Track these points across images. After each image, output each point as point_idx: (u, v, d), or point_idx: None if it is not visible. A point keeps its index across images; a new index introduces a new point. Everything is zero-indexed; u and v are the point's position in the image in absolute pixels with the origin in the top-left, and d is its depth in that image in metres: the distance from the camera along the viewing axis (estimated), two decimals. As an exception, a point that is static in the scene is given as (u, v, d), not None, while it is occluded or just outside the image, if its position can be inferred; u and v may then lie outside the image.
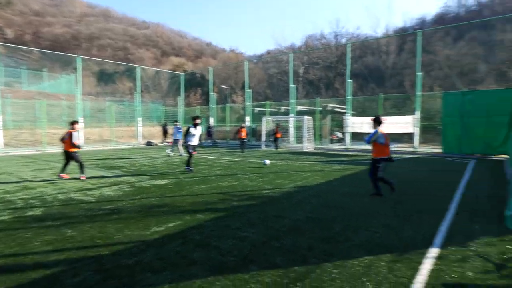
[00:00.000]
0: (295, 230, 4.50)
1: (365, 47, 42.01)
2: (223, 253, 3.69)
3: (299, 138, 21.60)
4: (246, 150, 19.10)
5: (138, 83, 28.09)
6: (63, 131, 27.73)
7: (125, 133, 28.93)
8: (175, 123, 16.88)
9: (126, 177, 9.36)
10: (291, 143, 22.26)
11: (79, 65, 23.57)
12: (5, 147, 19.26)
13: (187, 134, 10.14)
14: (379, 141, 6.48)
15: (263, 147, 20.95)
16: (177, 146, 16.15)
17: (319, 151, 18.65)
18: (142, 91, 30.87)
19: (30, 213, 5.56)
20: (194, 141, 10.24)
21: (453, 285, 2.93)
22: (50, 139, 22.05)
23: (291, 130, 22.45)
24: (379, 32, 50.87)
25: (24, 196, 6.90)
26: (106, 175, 9.87)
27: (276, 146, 19.82)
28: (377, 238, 4.15)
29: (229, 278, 3.07)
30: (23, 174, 10.08)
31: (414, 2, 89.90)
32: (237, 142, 19.33)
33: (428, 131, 21.00)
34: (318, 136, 22.30)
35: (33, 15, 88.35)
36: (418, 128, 17.33)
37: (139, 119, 26.87)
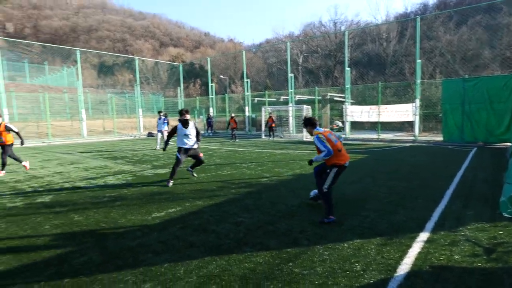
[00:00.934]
0: (289, 215, 4.70)
1: (365, 34, 41.55)
2: (220, 236, 3.91)
3: (298, 127, 21.72)
4: (251, 140, 19.36)
5: (138, 74, 28.13)
6: (66, 123, 28.09)
7: (127, 124, 29.18)
8: (159, 113, 15.23)
9: (128, 167, 9.60)
10: (291, 132, 22.40)
11: (78, 57, 23.62)
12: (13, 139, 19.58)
13: (175, 133, 7.28)
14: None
15: (263, 137, 21.11)
16: (162, 136, 14.74)
17: (319, 140, 18.74)
18: (142, 83, 30.93)
19: (39, 200, 5.88)
20: (190, 142, 7.22)
21: (439, 267, 3.04)
22: (54, 131, 22.39)
23: (291, 120, 22.56)
24: (379, 18, 50.18)
25: (33, 185, 7.24)
26: (109, 165, 10.12)
27: (274, 135, 20.14)
28: (369, 222, 4.32)
29: (225, 259, 3.29)
30: (31, 165, 10.35)
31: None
32: (238, 132, 19.70)
33: (429, 119, 21.06)
34: (318, 125, 22.41)
35: (31, 8, 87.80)
36: (418, 116, 17.38)
37: (140, 110, 27.05)
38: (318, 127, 4.76)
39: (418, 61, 17.38)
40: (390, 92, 24.99)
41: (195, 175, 7.77)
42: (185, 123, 7.18)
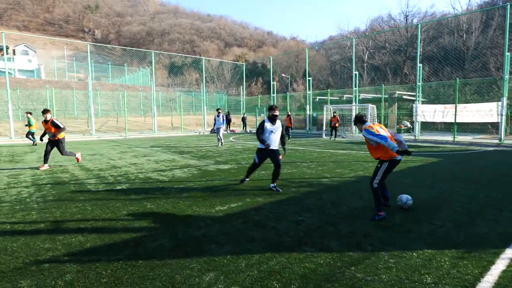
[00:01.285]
0: (351, 217, 4.52)
1: (441, 26, 37.67)
2: (280, 233, 3.93)
3: (362, 127, 20.71)
4: (311, 139, 19.13)
5: (204, 74, 29.67)
6: (140, 119, 30.93)
7: (192, 121, 31.05)
8: (217, 111, 15.37)
9: (194, 161, 10.21)
10: (354, 132, 21.48)
11: (153, 59, 25.81)
12: (96, 133, 22.51)
13: (260, 131, 6.17)
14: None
15: (324, 137, 20.61)
16: (218, 134, 15.19)
17: (384, 141, 17.66)
18: (207, 82, 32.55)
19: (118, 187, 6.60)
20: (274, 144, 6.17)
21: (531, 290, 2.64)
22: (130, 126, 24.91)
23: (354, 119, 21.63)
24: (458, 8, 45.04)
25: (113, 174, 8.16)
26: (177, 158, 10.88)
27: (336, 135, 19.43)
28: (442, 232, 3.95)
29: (285, 256, 3.29)
30: (111, 156, 11.74)
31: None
32: (298, 131, 19.56)
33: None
34: (384, 125, 21.12)
35: (115, 16, 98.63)
36: (505, 117, 15.25)
37: (205, 108, 28.52)
38: (367, 123, 4.74)
39: (507, 54, 15.23)
40: (470, 89, 22.39)
41: (280, 190, 6.14)
42: (273, 120, 6.19)
